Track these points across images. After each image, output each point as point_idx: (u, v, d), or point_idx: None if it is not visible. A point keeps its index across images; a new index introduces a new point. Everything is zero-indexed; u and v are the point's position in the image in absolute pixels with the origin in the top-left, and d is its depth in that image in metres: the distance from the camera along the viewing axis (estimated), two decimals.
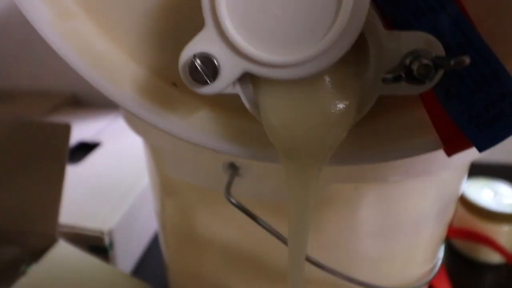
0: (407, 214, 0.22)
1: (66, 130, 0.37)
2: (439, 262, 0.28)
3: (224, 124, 0.16)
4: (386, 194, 0.20)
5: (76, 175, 0.45)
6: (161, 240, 0.31)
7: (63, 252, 0.34)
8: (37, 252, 0.34)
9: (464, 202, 0.44)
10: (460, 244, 0.46)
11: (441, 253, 0.28)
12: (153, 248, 0.47)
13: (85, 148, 0.52)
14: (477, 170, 0.61)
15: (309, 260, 0.20)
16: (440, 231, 0.25)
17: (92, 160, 0.49)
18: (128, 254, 0.41)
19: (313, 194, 0.15)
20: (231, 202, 0.18)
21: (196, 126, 0.16)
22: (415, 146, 0.15)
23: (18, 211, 0.37)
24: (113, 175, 0.45)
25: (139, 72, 0.15)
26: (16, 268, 0.34)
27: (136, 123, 0.22)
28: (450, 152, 0.15)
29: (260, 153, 0.16)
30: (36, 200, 0.37)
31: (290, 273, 0.17)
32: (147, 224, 0.46)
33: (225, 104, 0.16)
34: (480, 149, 0.14)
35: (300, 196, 0.15)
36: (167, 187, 0.24)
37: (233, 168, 0.19)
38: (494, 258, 0.44)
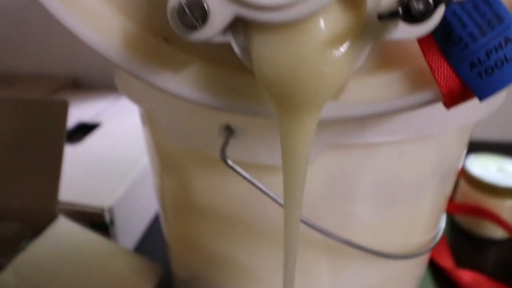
0: (406, 180, 0.21)
1: (63, 107, 0.36)
2: (440, 232, 0.27)
3: (217, 78, 0.15)
4: (384, 157, 0.19)
5: (76, 155, 0.45)
6: (161, 215, 0.31)
7: (63, 227, 0.34)
8: (38, 229, 0.34)
9: (468, 177, 0.44)
10: (463, 220, 0.45)
11: (442, 223, 0.28)
12: (154, 228, 0.47)
13: (85, 129, 0.52)
14: (481, 148, 0.61)
15: (305, 222, 0.19)
16: (441, 200, 0.25)
17: (92, 140, 0.48)
18: (129, 232, 0.41)
19: (309, 147, 0.14)
20: (226, 163, 0.18)
21: (188, 81, 0.15)
22: (415, 99, 0.14)
23: (18, 188, 0.37)
24: (113, 154, 0.45)
25: (128, 25, 0.15)
26: (17, 244, 0.34)
27: (130, 88, 0.21)
28: (449, 103, 0.14)
29: (254, 107, 0.15)
30: (35, 177, 0.36)
31: (286, 235, 0.17)
32: (148, 203, 0.46)
33: (217, 59, 0.15)
34: (481, 97, 0.13)
35: (295, 148, 0.14)
36: (164, 157, 0.24)
37: (229, 131, 0.18)
38: (497, 233, 0.43)
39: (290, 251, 0.17)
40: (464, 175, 0.44)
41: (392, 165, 0.20)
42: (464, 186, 0.45)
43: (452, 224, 0.47)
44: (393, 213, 0.22)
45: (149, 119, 0.23)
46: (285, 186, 0.16)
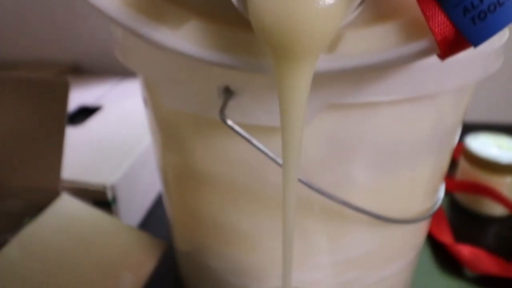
0: (405, 142, 0.21)
1: (64, 86, 0.37)
2: (439, 202, 0.28)
3: (214, 34, 0.15)
4: (383, 119, 0.20)
5: (78, 136, 0.45)
6: (163, 189, 0.31)
7: (67, 204, 0.35)
8: (41, 206, 0.34)
9: (467, 155, 0.44)
10: (463, 198, 0.46)
11: (441, 193, 0.28)
12: (156, 208, 0.47)
13: (86, 112, 0.52)
14: (480, 129, 0.61)
15: (303, 182, 0.20)
16: (439, 166, 0.25)
17: (94, 122, 0.49)
18: (131, 211, 0.42)
19: (306, 101, 0.14)
20: (226, 123, 0.18)
21: (187, 36, 0.15)
22: (411, 49, 0.15)
23: (21, 167, 0.37)
24: (115, 135, 0.45)
25: None
26: (20, 221, 0.34)
27: (131, 57, 0.21)
28: (444, 53, 0.14)
29: (252, 62, 0.15)
30: (38, 155, 0.37)
31: (284, 196, 0.17)
32: (150, 183, 0.46)
33: (215, 15, 0.15)
34: (475, 43, 0.13)
35: (292, 103, 0.14)
36: (165, 126, 0.24)
37: (228, 92, 0.19)
38: (497, 210, 0.44)
39: (288, 213, 0.17)
40: (464, 153, 0.45)
41: (390, 127, 0.20)
42: (464, 164, 0.45)
43: (452, 202, 0.47)
44: (392, 176, 0.22)
45: (149, 89, 0.23)
46: (283, 145, 0.16)
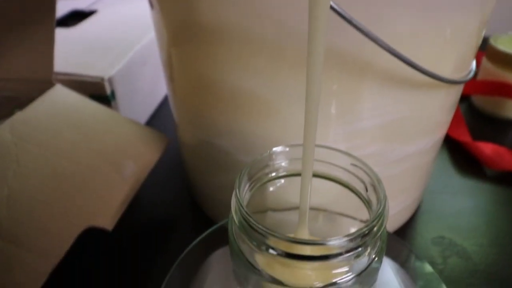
0: None
1: None
2: (472, 73, 0.25)
3: None
4: None
5: (72, 36, 0.42)
6: (169, 91, 0.29)
7: (61, 93, 0.32)
8: (33, 98, 0.32)
9: (491, 53, 0.41)
10: (482, 102, 0.43)
11: (473, 65, 0.25)
12: (161, 112, 0.45)
13: (80, 17, 0.49)
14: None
15: (335, 10, 0.17)
16: (476, 27, 0.22)
17: (89, 23, 0.45)
18: (133, 110, 0.39)
19: None
20: None
21: None
22: None
23: (12, 60, 0.34)
24: (112, 34, 0.42)
25: None
26: (13, 109, 0.32)
27: None
28: None
29: None
30: (29, 47, 0.34)
31: (311, 39, 0.14)
32: (154, 86, 0.43)
33: None
34: None
35: None
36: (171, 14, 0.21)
37: None
38: None
39: (315, 62, 0.14)
40: (488, 52, 0.42)
41: None
42: (486, 64, 0.42)
43: (470, 107, 0.45)
44: (428, 24, 0.20)
45: None
46: None
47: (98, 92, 0.35)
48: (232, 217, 0.17)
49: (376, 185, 0.17)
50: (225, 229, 0.26)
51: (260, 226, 0.15)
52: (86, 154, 0.29)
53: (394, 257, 0.25)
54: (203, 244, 0.26)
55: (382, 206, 0.16)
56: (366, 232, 0.15)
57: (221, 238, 0.27)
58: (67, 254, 0.24)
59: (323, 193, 0.20)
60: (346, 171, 0.19)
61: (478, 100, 0.44)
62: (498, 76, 0.40)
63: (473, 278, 0.27)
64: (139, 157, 0.31)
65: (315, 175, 0.19)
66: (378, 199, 0.16)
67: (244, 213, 0.15)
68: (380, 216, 0.16)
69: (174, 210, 0.33)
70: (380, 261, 0.17)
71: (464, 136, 0.39)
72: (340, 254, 0.14)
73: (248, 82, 0.22)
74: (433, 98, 0.23)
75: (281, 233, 0.14)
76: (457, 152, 0.38)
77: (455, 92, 0.25)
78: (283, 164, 0.19)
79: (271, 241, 0.15)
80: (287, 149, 0.19)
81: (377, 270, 0.17)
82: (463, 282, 0.27)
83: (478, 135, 0.40)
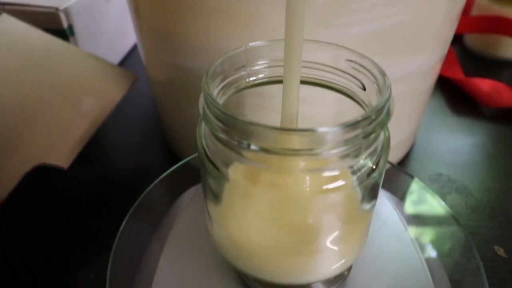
0: None
1: None
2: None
3: None
4: None
5: None
6: (134, 16, 0.25)
7: (8, 23, 0.28)
8: None
9: None
10: (475, 42, 0.41)
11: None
12: (131, 59, 0.41)
13: None
14: None
15: None
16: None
17: None
18: (96, 51, 0.35)
19: None
20: None
21: None
22: None
23: None
24: None
25: None
26: None
27: None
28: None
29: None
30: None
31: None
32: (120, 29, 0.39)
33: None
34: None
35: None
36: None
37: None
38: None
39: None
40: None
41: None
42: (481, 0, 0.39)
43: (463, 49, 0.42)
44: None
45: None
46: None
47: (53, 25, 0.31)
48: (201, 119, 0.13)
49: (378, 77, 0.14)
50: (191, 167, 0.23)
51: (240, 118, 0.11)
52: (36, 86, 0.25)
53: (394, 191, 0.22)
54: (168, 185, 0.23)
55: (386, 97, 0.13)
56: (361, 120, 0.12)
57: (189, 178, 0.23)
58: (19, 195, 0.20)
59: (312, 102, 0.17)
60: (339, 72, 0.15)
61: (471, 40, 0.41)
62: (494, 11, 0.38)
63: (474, 213, 0.24)
64: (101, 94, 0.27)
65: (303, 82, 0.16)
66: (380, 90, 0.13)
67: (214, 101, 0.12)
68: (381, 109, 0.12)
69: (148, 156, 0.30)
70: (380, 173, 0.14)
71: (456, 73, 0.36)
72: (332, 147, 0.11)
73: None
74: (434, 3, 0.20)
75: (264, 124, 0.11)
76: (451, 92, 0.36)
77: (458, 3, 0.22)
78: (263, 65, 0.16)
79: (254, 133, 0.11)
80: (267, 44, 0.15)
81: (376, 185, 0.14)
82: (464, 218, 0.24)
83: (472, 76, 0.37)
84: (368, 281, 0.17)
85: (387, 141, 0.14)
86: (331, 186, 0.12)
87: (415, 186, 0.22)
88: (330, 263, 0.15)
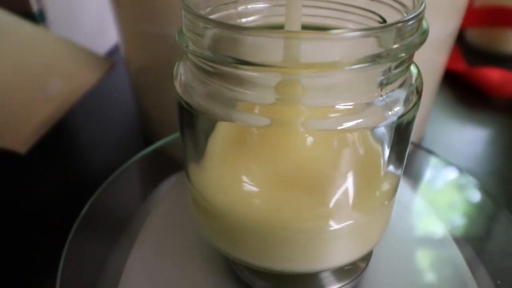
0: None
1: None
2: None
3: None
4: None
5: None
6: (115, 11, 0.22)
7: None
8: None
9: None
10: (477, 37, 0.38)
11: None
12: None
13: None
14: None
15: None
16: None
17: None
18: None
19: None
20: None
21: None
22: None
23: None
24: None
25: None
26: None
27: None
28: None
29: None
30: None
31: None
32: (100, 24, 0.36)
33: None
34: None
35: None
36: None
37: None
38: None
39: None
40: None
41: None
42: None
43: (465, 45, 0.39)
44: None
45: None
46: None
47: (21, 8, 0.28)
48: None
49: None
50: (162, 153, 0.19)
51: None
52: (2, 69, 0.22)
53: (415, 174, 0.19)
54: (139, 174, 0.19)
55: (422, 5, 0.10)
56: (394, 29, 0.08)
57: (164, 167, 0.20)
58: None
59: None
60: (352, 9, 0.12)
61: (473, 35, 0.39)
62: (497, 2, 0.35)
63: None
64: (70, 78, 0.24)
65: (307, 27, 0.13)
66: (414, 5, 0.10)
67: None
68: (418, 15, 0.09)
69: (127, 145, 0.26)
70: (415, 110, 0.10)
71: (460, 65, 0.33)
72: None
73: None
74: None
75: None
76: (457, 85, 0.33)
77: None
78: (259, 3, 0.13)
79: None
80: None
81: (407, 135, 0.11)
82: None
83: None
84: (390, 275, 0.14)
85: (420, 78, 0.11)
86: (348, 124, 0.09)
87: (437, 164, 0.18)
88: (344, 243, 0.11)
